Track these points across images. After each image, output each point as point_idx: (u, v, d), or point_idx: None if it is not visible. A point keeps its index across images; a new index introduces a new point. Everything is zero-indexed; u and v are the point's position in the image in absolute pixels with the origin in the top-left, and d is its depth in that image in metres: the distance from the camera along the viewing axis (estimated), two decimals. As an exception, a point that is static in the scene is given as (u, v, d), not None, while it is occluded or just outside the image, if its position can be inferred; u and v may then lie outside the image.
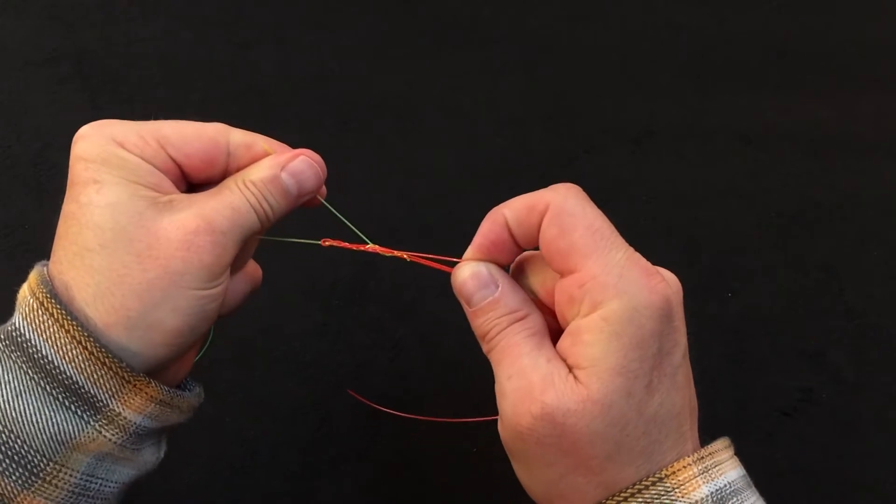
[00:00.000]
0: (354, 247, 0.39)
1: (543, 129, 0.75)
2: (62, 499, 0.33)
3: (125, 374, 0.32)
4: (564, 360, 0.32)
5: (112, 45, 0.79)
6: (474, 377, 0.58)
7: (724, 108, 0.76)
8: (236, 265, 0.38)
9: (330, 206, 0.39)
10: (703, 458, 0.32)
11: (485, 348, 0.35)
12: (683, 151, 0.73)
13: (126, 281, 0.32)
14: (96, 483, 0.34)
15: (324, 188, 0.38)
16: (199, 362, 0.60)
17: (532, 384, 0.31)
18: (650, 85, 0.78)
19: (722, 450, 0.33)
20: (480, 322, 0.34)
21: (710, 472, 0.31)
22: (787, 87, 0.78)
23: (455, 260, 0.36)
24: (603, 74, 0.79)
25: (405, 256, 0.38)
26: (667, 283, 0.32)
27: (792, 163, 0.73)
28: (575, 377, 0.31)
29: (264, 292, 0.64)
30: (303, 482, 0.55)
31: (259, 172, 0.35)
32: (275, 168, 0.35)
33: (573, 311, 0.32)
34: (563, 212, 0.32)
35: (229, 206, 0.34)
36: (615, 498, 0.31)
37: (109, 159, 0.33)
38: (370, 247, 0.39)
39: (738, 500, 0.31)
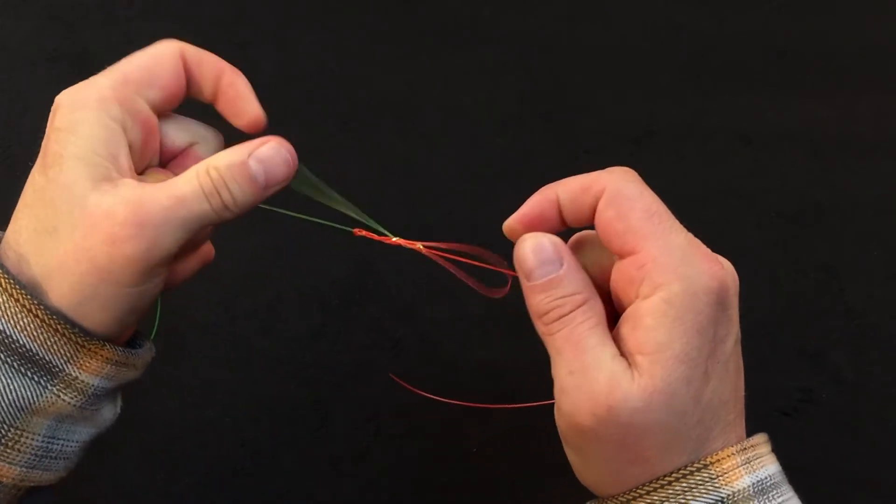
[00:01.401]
0: (383, 239, 0.38)
1: (543, 129, 0.75)
2: (25, 462, 0.32)
3: (79, 339, 0.32)
4: (624, 345, 0.31)
5: (112, 45, 0.79)
6: (474, 377, 0.58)
7: (724, 108, 0.76)
8: (187, 251, 0.36)
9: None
10: (745, 449, 0.32)
11: (541, 329, 0.33)
12: (683, 151, 0.73)
13: (63, 271, 0.32)
14: (58, 444, 0.34)
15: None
16: (198, 363, 0.61)
17: (598, 384, 0.30)
18: (650, 85, 0.78)
19: (762, 443, 0.33)
20: (539, 299, 0.33)
21: (752, 463, 0.31)
22: (787, 87, 0.78)
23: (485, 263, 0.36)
24: (603, 75, 0.79)
25: (441, 260, 0.37)
26: (725, 270, 0.32)
27: (792, 163, 0.73)
28: (636, 364, 0.31)
29: (264, 293, 0.64)
30: (303, 483, 0.55)
31: (226, 158, 0.33)
32: (243, 154, 0.33)
33: (631, 292, 0.32)
34: (620, 195, 0.32)
35: (172, 195, 0.32)
36: (659, 481, 0.31)
37: (76, 127, 0.32)
38: (395, 240, 0.39)
39: (777, 492, 0.31)
